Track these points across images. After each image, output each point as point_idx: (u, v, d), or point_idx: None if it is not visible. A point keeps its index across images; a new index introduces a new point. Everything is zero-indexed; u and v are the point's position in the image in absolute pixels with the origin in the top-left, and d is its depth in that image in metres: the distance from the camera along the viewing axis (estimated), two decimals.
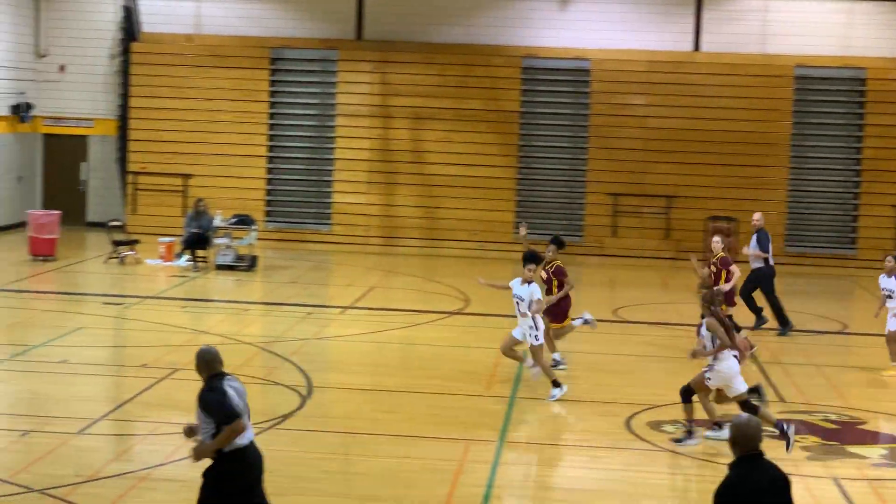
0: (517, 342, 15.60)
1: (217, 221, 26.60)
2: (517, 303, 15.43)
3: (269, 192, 31.82)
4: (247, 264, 26.07)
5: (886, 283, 17.71)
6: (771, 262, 20.63)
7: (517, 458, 13.15)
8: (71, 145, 33.07)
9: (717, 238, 19.23)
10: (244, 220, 27.09)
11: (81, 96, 32.90)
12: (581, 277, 28.63)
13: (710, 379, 13.15)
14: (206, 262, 26.33)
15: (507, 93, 31.21)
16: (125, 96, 32.13)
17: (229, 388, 8.96)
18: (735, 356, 13.35)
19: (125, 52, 32.07)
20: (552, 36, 31.25)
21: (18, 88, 31.73)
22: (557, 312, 16.85)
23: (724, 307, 16.68)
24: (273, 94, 31.90)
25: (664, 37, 31.12)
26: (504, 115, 31.17)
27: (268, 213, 31.58)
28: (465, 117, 31.11)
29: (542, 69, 31.41)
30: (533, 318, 15.29)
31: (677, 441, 13.35)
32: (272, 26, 32.14)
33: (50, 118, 32.97)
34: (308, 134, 32.03)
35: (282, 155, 32.03)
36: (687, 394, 13.28)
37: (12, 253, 27.31)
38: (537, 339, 15.31)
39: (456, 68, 31.22)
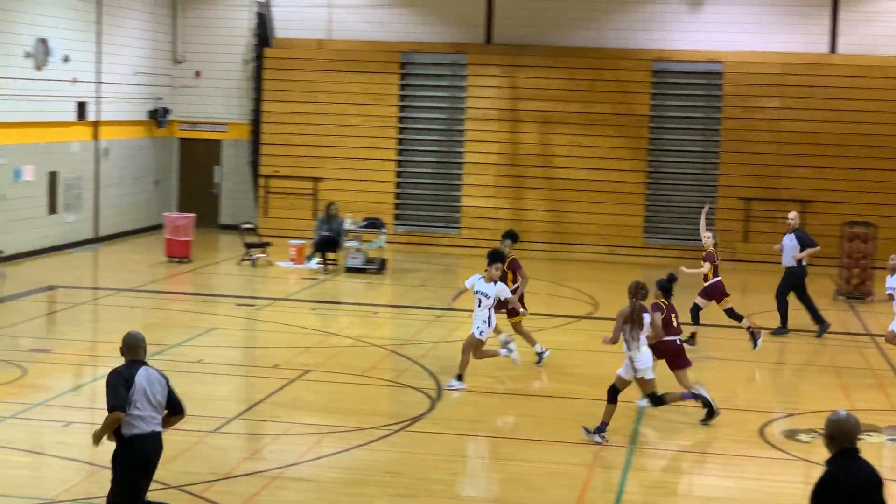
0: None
1: (347, 224, 26.86)
2: (479, 299, 15.65)
3: (398, 196, 32.02)
4: (376, 267, 26.26)
5: (890, 282, 17.24)
6: (804, 262, 20.38)
7: (648, 465, 13.02)
8: (205, 149, 33.72)
9: (708, 234, 19.07)
10: (374, 224, 27.29)
11: (216, 101, 33.54)
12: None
13: (641, 372, 13.42)
14: (336, 264, 26.61)
15: (636, 96, 30.95)
16: (258, 101, 32.64)
17: (141, 378, 9.33)
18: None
19: (258, 57, 32.59)
20: (683, 38, 30.90)
21: (156, 94, 32.47)
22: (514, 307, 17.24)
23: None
24: (402, 98, 32.10)
25: (799, 38, 30.55)
26: (634, 118, 30.92)
27: (397, 217, 31.77)
28: (594, 121, 30.93)
29: (674, 72, 31.06)
30: (489, 313, 15.63)
31: (588, 432, 13.47)
32: (402, 31, 32.35)
33: (186, 123, 33.68)
34: (437, 138, 32.15)
35: (411, 159, 32.21)
36: (656, 399, 13.69)
37: (149, 255, 27.94)
38: (482, 334, 15.62)
39: (585, 72, 31.06)
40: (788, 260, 20.40)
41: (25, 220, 26.37)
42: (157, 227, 31.20)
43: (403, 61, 32.04)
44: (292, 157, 32.08)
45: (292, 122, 32.09)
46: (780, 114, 30.39)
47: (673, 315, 14.46)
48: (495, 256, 15.87)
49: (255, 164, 32.72)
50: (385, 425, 13.85)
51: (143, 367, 9.43)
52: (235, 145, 33.56)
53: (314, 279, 25.45)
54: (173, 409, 9.60)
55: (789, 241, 20.41)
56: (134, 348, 9.54)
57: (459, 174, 31.76)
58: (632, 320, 13.28)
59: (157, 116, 32.37)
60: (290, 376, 16.08)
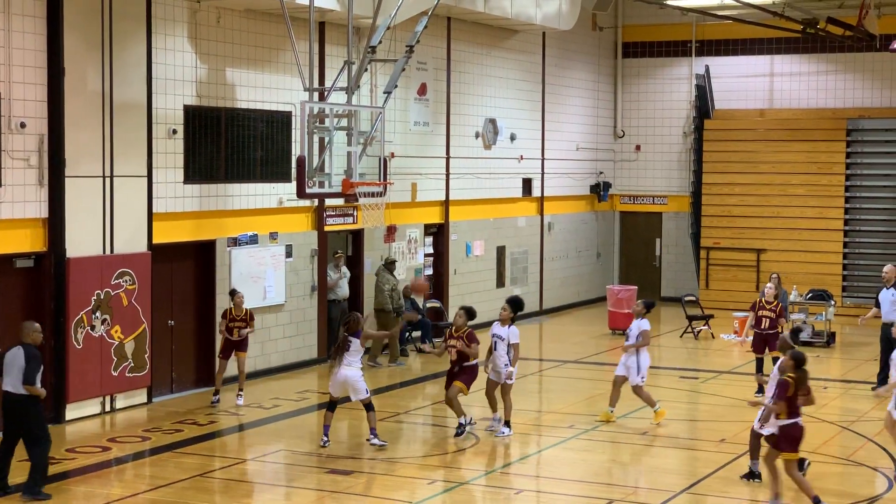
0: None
1: (792, 297, 26.18)
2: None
3: (846, 267, 30.88)
4: (824, 340, 25.39)
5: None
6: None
7: None
8: (645, 222, 33.98)
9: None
10: (820, 296, 26.46)
11: (655, 174, 33.78)
12: None
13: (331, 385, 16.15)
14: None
15: None
16: (698, 173, 32.56)
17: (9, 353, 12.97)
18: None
19: (698, 129, 32.57)
20: None
21: (597, 168, 33.13)
22: None
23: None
24: (850, 165, 31.03)
25: None
26: None
27: (845, 289, 30.60)
28: None
29: None
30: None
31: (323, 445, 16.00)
32: (848, 97, 31.44)
33: (626, 196, 34.11)
34: (887, 206, 30.77)
35: (859, 228, 31.00)
36: (332, 405, 16.22)
37: (592, 326, 28.34)
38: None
39: None
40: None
41: (475, 293, 27.43)
42: (599, 300, 31.68)
43: (850, 128, 31.02)
44: (733, 229, 31.74)
45: (733, 193, 31.79)
46: None
47: None
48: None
49: (696, 236, 32.59)
50: None
51: (17, 346, 12.94)
52: (676, 217, 33.59)
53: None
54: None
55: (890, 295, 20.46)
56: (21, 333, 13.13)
57: None
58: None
59: (599, 190, 32.97)
60: (736, 451, 15.76)
